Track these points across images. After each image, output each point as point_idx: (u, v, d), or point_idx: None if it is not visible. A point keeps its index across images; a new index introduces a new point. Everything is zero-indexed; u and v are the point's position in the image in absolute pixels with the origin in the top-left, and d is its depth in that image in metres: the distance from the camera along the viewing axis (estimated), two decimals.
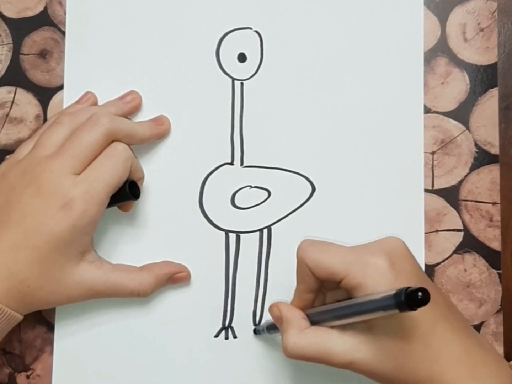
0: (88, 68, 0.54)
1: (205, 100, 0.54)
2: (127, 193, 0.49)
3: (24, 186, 0.47)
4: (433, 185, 0.53)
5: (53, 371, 0.53)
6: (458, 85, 0.54)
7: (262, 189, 0.53)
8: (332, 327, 0.43)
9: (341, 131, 0.53)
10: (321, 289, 0.46)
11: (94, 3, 0.54)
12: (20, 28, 0.54)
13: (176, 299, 0.53)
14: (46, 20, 0.54)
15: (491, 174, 0.53)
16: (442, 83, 0.54)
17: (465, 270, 0.53)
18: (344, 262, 0.43)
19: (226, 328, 0.53)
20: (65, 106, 0.54)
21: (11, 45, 0.54)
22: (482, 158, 0.54)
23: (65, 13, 0.54)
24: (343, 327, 0.43)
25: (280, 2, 0.54)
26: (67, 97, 0.54)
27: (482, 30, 0.54)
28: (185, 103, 0.54)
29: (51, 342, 0.53)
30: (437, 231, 0.53)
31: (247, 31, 0.54)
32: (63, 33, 0.54)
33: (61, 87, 0.54)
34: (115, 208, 0.51)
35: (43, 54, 0.54)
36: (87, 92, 0.53)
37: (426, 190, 0.53)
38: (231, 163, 0.54)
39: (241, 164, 0.54)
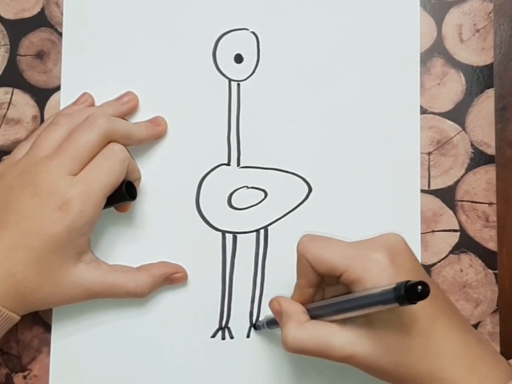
0: (85, 69, 0.54)
1: (202, 101, 0.54)
2: (124, 194, 0.49)
3: (21, 187, 0.47)
4: (429, 186, 0.53)
5: (50, 372, 0.53)
6: (454, 86, 0.54)
7: (259, 189, 0.53)
8: (332, 321, 0.43)
9: (338, 131, 0.54)
10: (321, 285, 0.46)
11: (91, 5, 0.54)
12: (17, 29, 0.54)
13: (173, 299, 0.53)
14: (43, 21, 0.54)
15: (487, 175, 0.53)
16: (439, 84, 0.54)
17: (462, 270, 0.53)
18: (344, 257, 0.43)
19: (223, 328, 0.53)
20: (62, 107, 0.54)
21: (8, 46, 0.54)
22: (478, 159, 0.54)
23: (62, 14, 0.54)
24: (343, 321, 0.43)
25: (276, 3, 0.54)
26: (64, 98, 0.54)
27: (478, 31, 0.54)
28: (182, 104, 0.54)
29: (48, 343, 0.53)
30: (433, 231, 0.53)
31: (243, 32, 0.54)
32: (60, 34, 0.54)
33: (58, 88, 0.54)
34: (112, 209, 0.51)
35: (40, 55, 0.54)
36: (84, 93, 0.53)
37: (422, 191, 0.53)
38: (228, 164, 0.54)
39: (238, 164, 0.54)
